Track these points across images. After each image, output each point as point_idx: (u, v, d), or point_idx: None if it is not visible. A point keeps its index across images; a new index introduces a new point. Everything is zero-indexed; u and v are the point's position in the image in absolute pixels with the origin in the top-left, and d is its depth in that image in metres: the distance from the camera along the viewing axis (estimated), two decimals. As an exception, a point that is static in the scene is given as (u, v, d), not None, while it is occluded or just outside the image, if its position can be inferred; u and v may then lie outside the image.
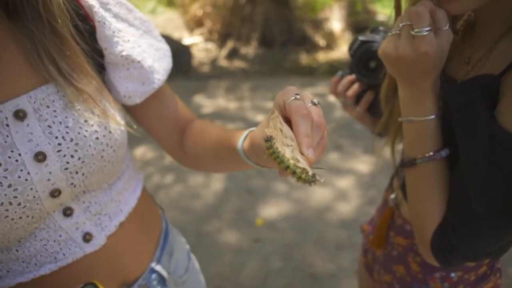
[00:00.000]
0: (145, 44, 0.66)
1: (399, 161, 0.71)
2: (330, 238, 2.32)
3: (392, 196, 0.87)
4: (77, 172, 0.55)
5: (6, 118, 0.51)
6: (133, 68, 0.64)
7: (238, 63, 6.76)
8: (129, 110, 0.74)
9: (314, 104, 0.49)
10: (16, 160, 0.51)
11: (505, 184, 0.53)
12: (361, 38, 0.87)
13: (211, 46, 7.52)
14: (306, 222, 2.46)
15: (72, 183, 0.55)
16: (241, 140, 0.59)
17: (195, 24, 8.02)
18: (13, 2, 0.51)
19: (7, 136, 0.51)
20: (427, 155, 0.65)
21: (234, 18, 7.31)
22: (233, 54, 7.07)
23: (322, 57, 6.96)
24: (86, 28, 0.58)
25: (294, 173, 0.41)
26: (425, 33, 0.57)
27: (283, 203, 2.65)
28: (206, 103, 4.62)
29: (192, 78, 5.86)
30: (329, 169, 2.99)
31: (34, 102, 0.52)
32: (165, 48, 0.72)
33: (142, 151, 3.28)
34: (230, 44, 7.23)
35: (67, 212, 0.58)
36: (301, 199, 2.66)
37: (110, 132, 0.58)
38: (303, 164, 0.42)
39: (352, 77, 0.90)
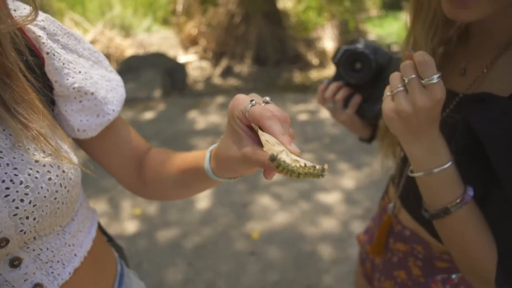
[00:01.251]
0: (96, 75, 0.63)
1: (423, 210, 0.68)
2: (325, 251, 2.35)
3: (391, 205, 0.88)
4: (27, 218, 0.49)
5: None
6: (86, 100, 0.60)
7: (232, 81, 6.85)
8: (82, 145, 0.70)
9: (267, 102, 0.49)
10: None
11: None
12: (344, 47, 0.92)
13: (205, 64, 7.62)
14: (301, 235, 2.48)
15: (22, 230, 0.50)
16: (207, 161, 0.59)
17: (189, 42, 8.14)
18: None
19: None
20: (458, 201, 0.61)
21: (228, 37, 7.43)
22: (227, 72, 7.17)
23: (314, 75, 7.07)
24: (35, 61, 0.54)
25: (309, 175, 0.42)
26: (436, 80, 0.56)
27: (277, 217, 2.68)
28: (200, 120, 4.67)
29: (187, 95, 5.93)
30: (319, 185, 3.03)
31: None
32: (117, 78, 0.70)
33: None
34: (224, 62, 7.33)
35: (15, 262, 0.52)
36: (294, 213, 2.69)
37: (63, 171, 0.53)
38: (302, 161, 0.43)
39: (338, 83, 0.93)
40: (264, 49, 7.26)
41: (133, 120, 4.63)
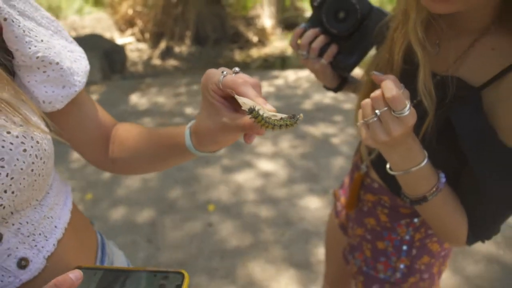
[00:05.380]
0: (58, 45, 0.59)
1: (404, 196, 0.75)
2: (280, 216, 2.48)
3: (363, 166, 0.96)
4: (5, 191, 0.48)
5: None
6: (51, 70, 0.57)
7: (172, 62, 6.74)
8: None
9: (237, 72, 0.52)
10: None
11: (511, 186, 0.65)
12: None
13: (143, 46, 7.42)
14: (255, 202, 2.59)
15: (1, 205, 0.48)
16: (187, 138, 0.60)
17: (125, 24, 7.84)
18: None
19: None
20: (434, 190, 0.68)
21: (166, 17, 7.25)
22: (166, 53, 7.03)
23: (255, 53, 7.15)
24: None
25: (285, 126, 0.48)
26: (407, 112, 0.60)
27: (229, 187, 2.77)
28: (143, 101, 4.59)
29: (128, 77, 5.77)
30: (261, 154, 3.15)
31: None
32: (79, 49, 0.66)
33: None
34: (163, 43, 7.18)
35: None
36: (241, 182, 2.80)
37: (37, 142, 0.51)
38: (279, 115, 0.47)
39: (316, 29, 0.88)
40: (204, 29, 7.20)
41: (72, 105, 4.44)
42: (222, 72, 0.51)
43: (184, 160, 0.67)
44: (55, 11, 8.38)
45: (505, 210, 0.69)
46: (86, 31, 7.67)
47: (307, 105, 4.25)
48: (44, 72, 0.57)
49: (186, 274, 0.43)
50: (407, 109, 0.59)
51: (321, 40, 0.87)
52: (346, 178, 1.12)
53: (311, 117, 3.91)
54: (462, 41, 0.69)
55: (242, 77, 0.50)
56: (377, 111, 0.62)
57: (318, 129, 3.64)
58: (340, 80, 0.97)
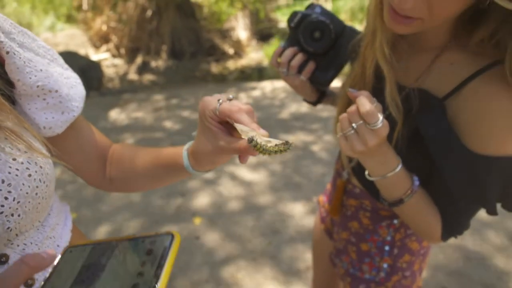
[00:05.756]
0: (55, 73, 0.63)
1: (382, 199, 0.82)
2: (266, 225, 2.52)
3: (344, 173, 1.02)
4: (12, 215, 0.51)
5: None
6: (50, 98, 0.61)
7: (149, 77, 6.73)
8: None
9: (231, 99, 0.57)
10: None
11: (476, 185, 0.71)
12: (300, 12, 0.92)
13: (119, 61, 7.39)
14: (240, 212, 2.63)
15: (8, 227, 0.51)
16: (185, 159, 0.65)
17: (100, 40, 7.80)
18: None
19: None
20: (409, 192, 0.75)
21: (141, 32, 7.26)
22: (143, 68, 7.03)
23: (231, 65, 7.22)
24: None
25: (279, 152, 0.53)
26: (381, 124, 0.66)
27: (213, 198, 2.80)
28: (122, 117, 4.59)
29: (105, 93, 5.74)
30: (245, 164, 3.20)
31: None
32: (74, 76, 0.71)
33: (58, 171, 3.21)
34: (139, 59, 7.18)
35: (2, 259, 0.53)
36: (224, 193, 2.83)
37: (41, 167, 0.54)
38: (273, 141, 0.52)
39: (294, 48, 0.93)
40: (179, 42, 7.23)
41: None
42: (218, 100, 0.56)
43: (180, 179, 0.71)
44: (26, 28, 8.25)
45: (473, 207, 0.76)
46: (60, 48, 7.59)
47: (285, 114, 4.34)
48: (44, 99, 0.60)
49: (177, 235, 0.42)
50: (380, 122, 0.66)
51: (299, 58, 0.93)
52: (328, 185, 1.18)
53: (290, 126, 3.99)
54: (425, 57, 0.77)
55: (237, 105, 0.55)
56: (353, 124, 0.69)
57: (297, 138, 3.72)
58: (319, 94, 1.04)
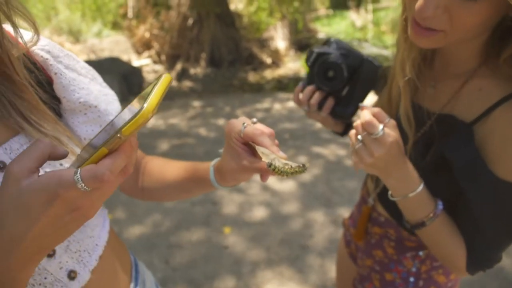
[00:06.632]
0: (95, 91, 0.69)
1: (405, 222, 0.81)
2: (294, 238, 2.51)
3: (370, 199, 1.01)
4: None
5: None
6: (90, 112, 0.67)
7: (187, 83, 6.88)
8: None
9: (254, 123, 0.63)
10: None
11: (503, 214, 0.70)
12: (316, 50, 0.94)
13: (160, 67, 7.60)
14: (268, 224, 2.63)
15: None
16: (212, 174, 0.70)
17: (142, 46, 8.07)
18: None
19: None
20: (431, 215, 0.74)
21: (181, 39, 7.44)
22: (182, 75, 7.19)
23: (269, 74, 7.25)
24: (43, 79, 0.61)
25: (296, 173, 0.58)
26: (381, 133, 0.68)
27: (243, 209, 2.82)
28: (160, 122, 4.71)
29: (144, 99, 5.90)
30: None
31: (10, 153, 0.54)
32: (111, 93, 0.77)
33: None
34: (179, 65, 7.34)
35: (50, 253, 0.58)
36: (254, 204, 2.84)
37: None
38: (290, 164, 0.57)
39: (312, 87, 0.96)
40: (218, 51, 7.35)
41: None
42: (243, 123, 0.62)
43: (206, 191, 0.78)
44: (76, 35, 8.66)
45: (504, 239, 0.73)
46: (105, 53, 7.91)
47: (318, 126, 4.31)
48: (85, 114, 0.67)
49: (166, 74, 0.42)
50: (381, 130, 0.68)
51: (317, 96, 0.95)
52: (354, 208, 1.17)
53: (323, 138, 3.96)
54: (453, 84, 0.77)
55: (260, 129, 0.62)
56: (359, 136, 0.71)
57: (330, 151, 3.68)
58: (344, 126, 1.07)
